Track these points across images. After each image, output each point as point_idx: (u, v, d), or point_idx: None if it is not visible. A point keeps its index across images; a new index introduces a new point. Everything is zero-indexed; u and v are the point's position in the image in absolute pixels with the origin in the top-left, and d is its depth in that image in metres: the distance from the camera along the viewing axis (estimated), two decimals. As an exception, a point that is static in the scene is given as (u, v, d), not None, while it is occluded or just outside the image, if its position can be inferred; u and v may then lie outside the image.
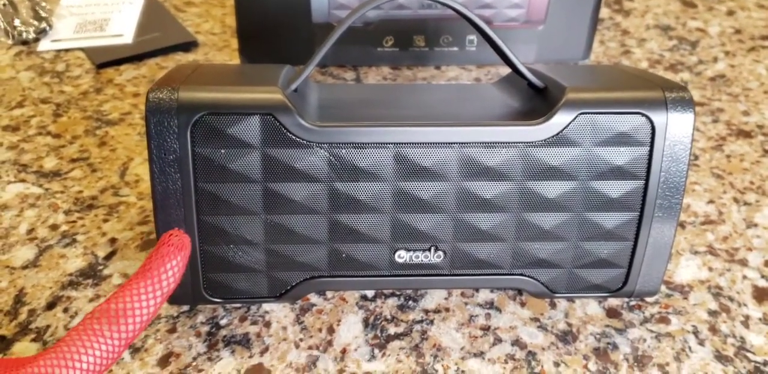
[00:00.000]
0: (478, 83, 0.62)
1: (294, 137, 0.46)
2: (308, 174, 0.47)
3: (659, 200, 0.49)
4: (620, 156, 0.48)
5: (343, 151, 0.47)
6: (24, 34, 0.86)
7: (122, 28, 0.89)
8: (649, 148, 0.48)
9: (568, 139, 0.47)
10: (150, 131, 0.46)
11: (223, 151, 0.46)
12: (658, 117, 0.47)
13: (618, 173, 0.49)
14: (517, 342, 0.51)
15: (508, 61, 0.53)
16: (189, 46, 0.87)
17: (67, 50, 0.85)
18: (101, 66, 0.83)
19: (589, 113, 0.47)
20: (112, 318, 0.40)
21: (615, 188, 0.49)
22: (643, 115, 0.47)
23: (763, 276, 0.57)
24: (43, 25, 0.87)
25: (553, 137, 0.47)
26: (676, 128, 0.48)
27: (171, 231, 0.46)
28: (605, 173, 0.48)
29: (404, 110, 0.53)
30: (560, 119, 0.47)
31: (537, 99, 0.52)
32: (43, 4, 0.89)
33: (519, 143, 0.48)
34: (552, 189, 0.49)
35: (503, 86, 0.59)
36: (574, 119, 0.47)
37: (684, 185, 0.49)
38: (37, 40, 0.87)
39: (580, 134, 0.47)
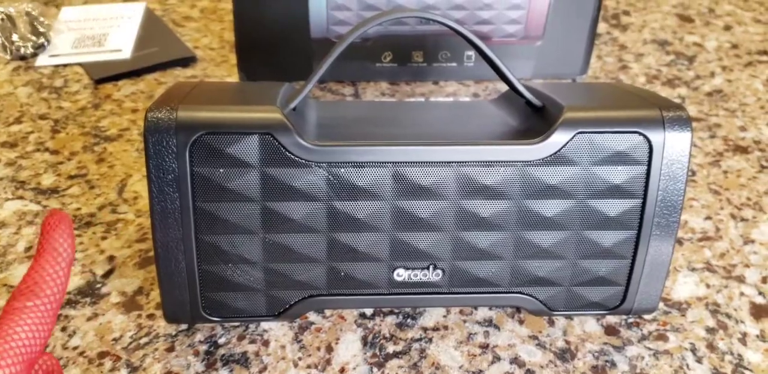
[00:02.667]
0: (476, 101, 0.63)
1: (293, 157, 0.46)
2: (307, 193, 0.47)
3: (657, 219, 0.49)
4: (618, 175, 0.48)
5: (342, 170, 0.47)
6: (22, 50, 0.86)
7: (121, 43, 0.89)
8: (646, 167, 0.48)
9: (565, 158, 0.48)
10: (149, 150, 0.46)
11: (221, 170, 0.46)
12: (656, 136, 0.48)
13: (615, 191, 0.49)
14: (515, 361, 0.51)
15: (506, 80, 0.53)
16: (188, 61, 0.87)
17: (65, 65, 0.86)
18: (99, 81, 0.83)
19: (586, 132, 0.47)
20: (30, 292, 0.42)
21: (613, 207, 0.49)
22: (640, 134, 0.48)
23: (760, 293, 0.57)
24: (41, 40, 0.88)
25: (550, 156, 0.48)
26: (673, 147, 0.48)
27: (49, 213, 0.46)
28: (603, 192, 0.49)
29: (403, 128, 0.53)
30: (558, 138, 0.47)
31: (535, 118, 0.52)
32: (42, 19, 0.89)
33: (517, 161, 0.48)
34: (550, 208, 0.49)
35: (501, 104, 0.59)
36: (572, 138, 0.47)
37: (681, 204, 0.49)
38: (35, 55, 0.87)
39: (577, 153, 0.48)
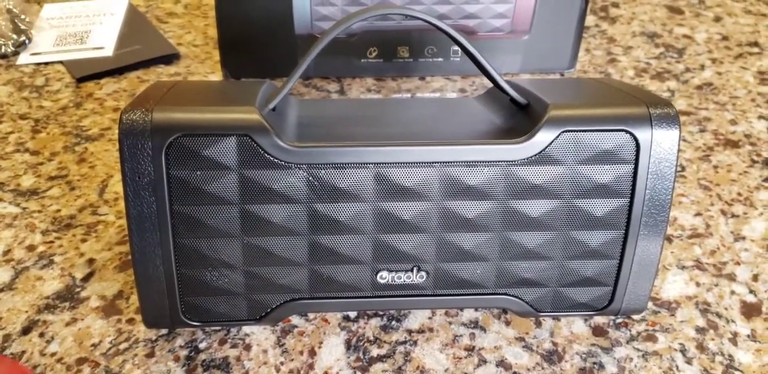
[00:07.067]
0: (460, 98, 0.61)
1: (272, 158, 0.45)
2: (287, 195, 0.46)
3: (644, 218, 0.48)
4: (604, 174, 0.47)
5: (323, 171, 0.46)
6: (3, 48, 0.85)
7: (103, 40, 0.88)
8: (633, 165, 0.47)
9: (551, 157, 0.47)
10: (123, 153, 0.45)
11: (199, 173, 0.45)
12: (643, 134, 0.47)
13: (602, 191, 0.48)
14: (501, 363, 0.50)
15: (489, 77, 0.52)
16: (171, 58, 0.86)
17: (46, 64, 0.84)
18: (81, 80, 0.82)
19: (572, 131, 0.46)
20: None
21: (599, 207, 0.48)
22: (627, 132, 0.47)
23: (751, 291, 0.57)
24: (23, 38, 0.86)
25: (535, 155, 0.47)
26: (661, 144, 0.47)
27: None
28: (589, 192, 0.48)
29: (385, 127, 0.52)
30: (543, 137, 0.46)
31: (519, 115, 0.51)
32: (23, 16, 0.88)
33: (501, 161, 0.47)
34: (535, 208, 0.48)
35: (486, 101, 0.58)
36: (557, 137, 0.46)
37: (670, 203, 0.48)
38: (16, 53, 0.86)
39: (563, 152, 0.47)
